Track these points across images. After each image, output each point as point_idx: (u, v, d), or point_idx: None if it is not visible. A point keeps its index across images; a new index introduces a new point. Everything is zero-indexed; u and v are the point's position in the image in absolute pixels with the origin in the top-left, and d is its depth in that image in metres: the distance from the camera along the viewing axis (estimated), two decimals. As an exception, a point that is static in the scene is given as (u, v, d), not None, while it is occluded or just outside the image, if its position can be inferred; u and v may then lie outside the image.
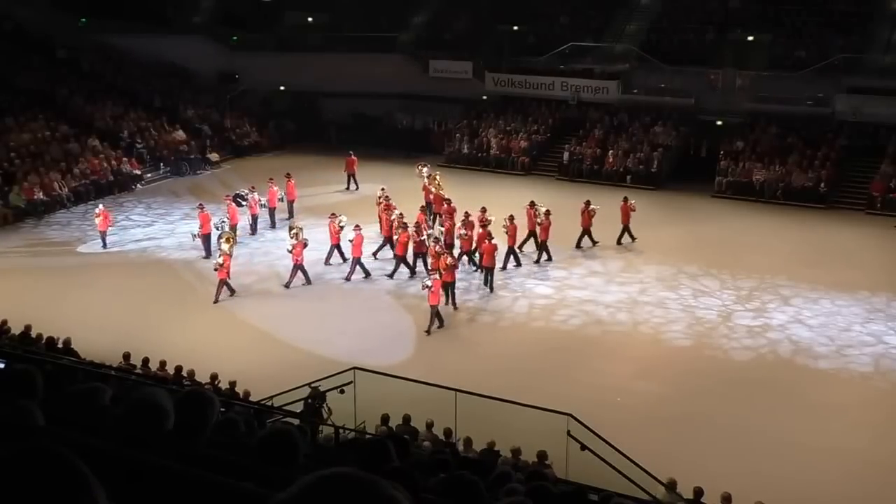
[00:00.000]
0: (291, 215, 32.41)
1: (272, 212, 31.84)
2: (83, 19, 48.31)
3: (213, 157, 42.19)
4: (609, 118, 41.95)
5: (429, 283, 22.83)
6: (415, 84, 44.42)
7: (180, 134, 42.46)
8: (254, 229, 30.53)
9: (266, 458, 3.85)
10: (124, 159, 38.46)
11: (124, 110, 42.73)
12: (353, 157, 37.37)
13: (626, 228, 30.03)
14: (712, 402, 19.58)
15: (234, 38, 49.02)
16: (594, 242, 29.52)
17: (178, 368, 18.28)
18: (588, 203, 29.60)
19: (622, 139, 40.49)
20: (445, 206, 29.70)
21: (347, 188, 37.22)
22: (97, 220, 29.85)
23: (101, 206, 31.19)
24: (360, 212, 29.88)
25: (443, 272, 23.73)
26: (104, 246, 29.61)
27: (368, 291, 25.94)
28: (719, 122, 40.01)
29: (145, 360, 18.65)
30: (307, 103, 47.68)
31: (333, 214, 28.08)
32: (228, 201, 30.22)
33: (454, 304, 24.34)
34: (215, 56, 47.79)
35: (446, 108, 45.15)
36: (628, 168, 38.57)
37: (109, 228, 30.23)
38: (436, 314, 23.21)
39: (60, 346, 18.68)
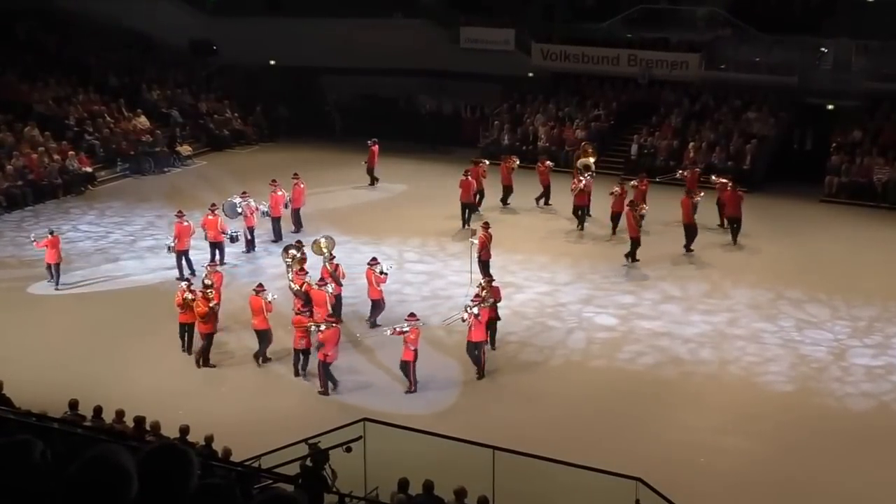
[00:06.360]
0: (298, 228, 32.24)
1: (276, 222, 31.58)
2: (21, -23, 48.82)
3: (185, 150, 42.44)
4: (689, 101, 41.94)
5: (475, 311, 22.34)
6: (442, 58, 44.41)
7: (142, 121, 42.78)
8: (251, 245, 30.48)
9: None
10: (71, 153, 38.55)
11: (72, 91, 43.14)
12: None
13: (635, 242, 29.82)
14: (820, 464, 19.48)
15: (212, -2, 49.42)
16: (547, 203, 32.06)
17: (139, 420, 18.34)
18: (545, 160, 32.22)
19: (705, 128, 40.47)
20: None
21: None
22: (44, 251, 28.09)
23: (46, 233, 28.42)
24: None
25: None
26: (56, 283, 28.01)
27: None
28: (830, 107, 39.92)
29: (97, 410, 18.67)
30: (305, 82, 47.86)
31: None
32: (209, 211, 29.59)
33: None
34: (188, 22, 48.15)
35: (482, 88, 45.27)
36: (713, 164, 38.46)
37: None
38: (476, 348, 23.16)
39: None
